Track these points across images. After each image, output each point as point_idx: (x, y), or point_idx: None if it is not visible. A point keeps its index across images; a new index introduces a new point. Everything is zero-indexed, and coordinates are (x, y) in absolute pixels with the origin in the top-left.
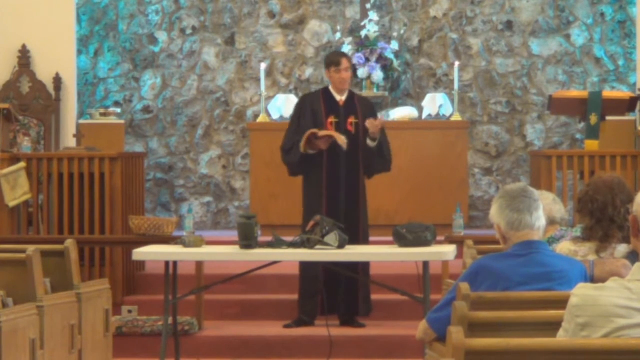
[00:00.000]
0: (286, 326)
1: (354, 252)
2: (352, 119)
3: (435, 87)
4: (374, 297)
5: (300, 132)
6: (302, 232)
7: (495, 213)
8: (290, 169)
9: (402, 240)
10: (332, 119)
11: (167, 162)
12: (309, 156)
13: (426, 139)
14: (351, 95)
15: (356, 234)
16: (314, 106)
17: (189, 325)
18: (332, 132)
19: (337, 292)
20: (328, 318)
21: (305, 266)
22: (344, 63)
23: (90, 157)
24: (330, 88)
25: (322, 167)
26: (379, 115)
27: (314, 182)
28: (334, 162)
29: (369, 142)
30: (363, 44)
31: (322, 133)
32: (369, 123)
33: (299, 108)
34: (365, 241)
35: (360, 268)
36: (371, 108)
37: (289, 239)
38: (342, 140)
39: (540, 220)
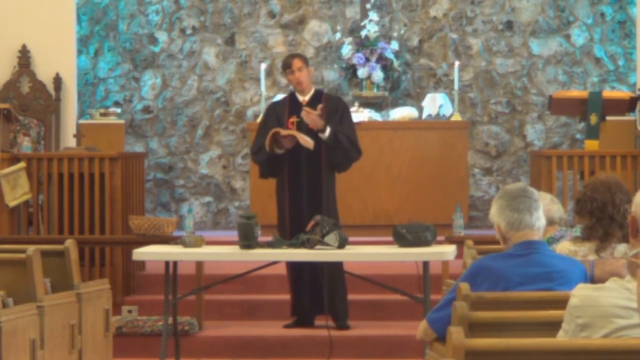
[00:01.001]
0: (286, 326)
1: (354, 252)
2: (316, 109)
3: (435, 87)
4: (374, 297)
5: (266, 135)
6: (279, 232)
7: (495, 213)
8: (260, 169)
9: (402, 240)
10: (293, 119)
11: (167, 162)
12: (277, 157)
13: (426, 139)
14: (318, 94)
15: None
16: (278, 110)
17: (189, 325)
18: (294, 132)
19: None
20: (327, 318)
21: (292, 266)
22: (296, 64)
23: (90, 157)
24: (295, 90)
25: (284, 169)
26: (376, 114)
27: (280, 185)
28: (296, 163)
29: (320, 134)
30: (363, 44)
31: (284, 132)
32: (304, 114)
33: (265, 114)
34: None
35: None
36: (337, 104)
37: None
38: (303, 140)
39: (540, 220)
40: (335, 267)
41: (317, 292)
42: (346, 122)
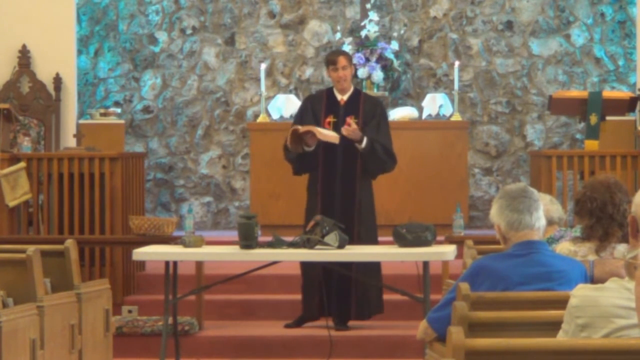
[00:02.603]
0: (287, 326)
1: (354, 252)
2: (350, 119)
3: (435, 87)
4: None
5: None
6: (303, 232)
7: (495, 213)
8: (292, 167)
9: (402, 240)
10: (330, 119)
11: (167, 162)
12: (308, 154)
13: (426, 139)
14: (356, 94)
15: (350, 234)
16: (315, 106)
17: (189, 325)
18: (312, 127)
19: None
20: (328, 318)
21: (306, 265)
22: (341, 61)
23: (90, 157)
24: (334, 87)
25: (319, 167)
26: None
27: (313, 182)
28: (331, 161)
29: (357, 145)
30: (363, 44)
31: (302, 129)
32: (344, 129)
33: (301, 108)
34: (362, 241)
35: (356, 269)
36: (375, 107)
37: (289, 239)
38: (324, 135)
39: (540, 220)
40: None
41: (344, 293)
42: (383, 129)
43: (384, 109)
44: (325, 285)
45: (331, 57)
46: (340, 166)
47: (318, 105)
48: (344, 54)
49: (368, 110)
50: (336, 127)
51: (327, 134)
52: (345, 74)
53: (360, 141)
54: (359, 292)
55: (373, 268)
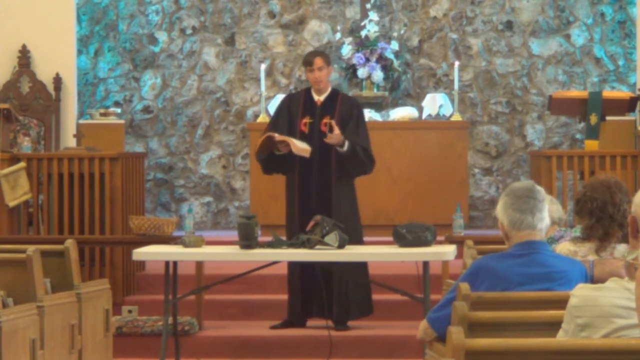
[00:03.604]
0: (273, 327)
1: (354, 252)
2: (326, 119)
3: (435, 87)
4: (374, 297)
5: (274, 131)
6: (286, 232)
7: (499, 210)
8: (261, 166)
9: (402, 240)
10: (306, 120)
11: (167, 162)
12: (278, 156)
13: (426, 139)
14: (333, 95)
15: None
16: (292, 107)
17: (189, 325)
18: (288, 139)
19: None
20: (327, 320)
21: (292, 267)
22: (317, 62)
23: (90, 157)
24: (311, 88)
25: (295, 168)
26: (376, 114)
27: (290, 184)
28: (306, 163)
29: (338, 149)
30: (363, 44)
31: (278, 137)
32: (327, 139)
33: (279, 108)
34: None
35: (337, 270)
36: (352, 108)
37: None
38: (298, 148)
39: (543, 221)
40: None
41: (326, 293)
42: (362, 131)
43: (361, 109)
44: (325, 286)
45: (307, 58)
46: (316, 168)
47: (295, 106)
48: (321, 54)
49: (344, 110)
50: (312, 128)
51: (301, 147)
52: (321, 75)
53: (342, 145)
54: (341, 293)
55: (358, 269)
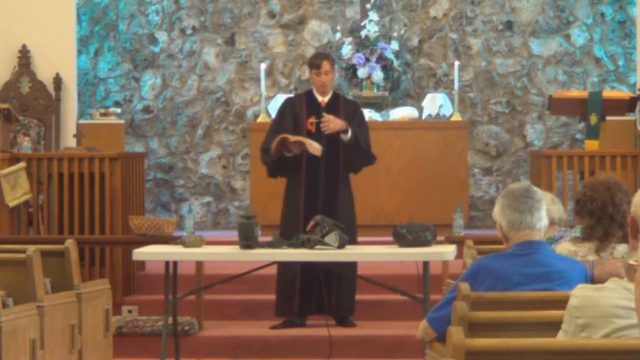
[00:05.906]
0: (273, 327)
1: (354, 252)
2: (312, 119)
3: (435, 87)
4: (374, 297)
5: (279, 134)
6: (280, 233)
7: (497, 212)
8: (268, 169)
9: (402, 240)
10: (312, 120)
11: (167, 162)
12: (287, 158)
13: (426, 139)
14: (335, 97)
15: None
16: (295, 108)
17: (189, 325)
18: (303, 139)
19: (316, 292)
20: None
21: (282, 266)
22: (325, 66)
23: (90, 157)
24: (313, 90)
25: (302, 170)
26: (376, 114)
27: (294, 184)
28: (314, 162)
29: (342, 136)
30: (363, 44)
31: (293, 138)
32: (323, 126)
33: (281, 110)
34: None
35: (328, 269)
36: (355, 110)
37: None
38: (313, 148)
39: (541, 220)
40: (344, 267)
41: (320, 291)
42: (363, 129)
43: (362, 112)
44: (325, 284)
45: (315, 60)
46: (323, 169)
47: (298, 108)
48: (328, 58)
49: (348, 112)
50: (318, 128)
51: (315, 147)
52: (328, 78)
53: (346, 131)
54: (334, 292)
55: (349, 268)
